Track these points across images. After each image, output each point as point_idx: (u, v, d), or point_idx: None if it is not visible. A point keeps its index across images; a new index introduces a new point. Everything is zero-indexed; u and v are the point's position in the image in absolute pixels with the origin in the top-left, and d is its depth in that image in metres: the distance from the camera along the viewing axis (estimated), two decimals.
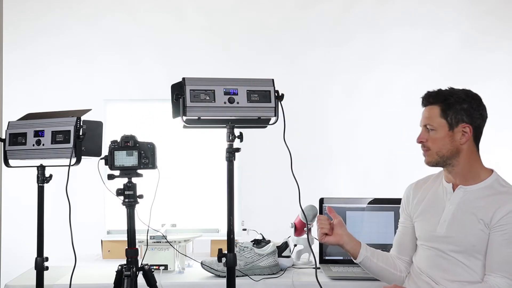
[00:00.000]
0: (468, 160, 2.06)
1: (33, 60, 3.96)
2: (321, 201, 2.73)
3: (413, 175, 2.31)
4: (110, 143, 2.12)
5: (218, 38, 4.06)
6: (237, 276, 2.12)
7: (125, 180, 2.12)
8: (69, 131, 2.11)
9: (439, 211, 2.10)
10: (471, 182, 2.07)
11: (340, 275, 2.49)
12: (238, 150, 2.06)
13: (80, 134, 2.10)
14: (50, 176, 2.23)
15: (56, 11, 3.99)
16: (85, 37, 3.99)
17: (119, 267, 2.12)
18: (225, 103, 2.03)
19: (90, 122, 2.15)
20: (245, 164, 3.01)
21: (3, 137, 2.24)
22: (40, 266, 2.22)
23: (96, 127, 2.19)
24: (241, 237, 2.84)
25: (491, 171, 2.10)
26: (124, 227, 2.12)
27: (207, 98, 2.02)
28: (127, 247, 2.12)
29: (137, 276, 2.11)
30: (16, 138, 2.20)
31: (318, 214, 2.57)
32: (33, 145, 2.16)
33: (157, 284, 2.18)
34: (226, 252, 2.05)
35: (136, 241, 2.15)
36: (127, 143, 2.11)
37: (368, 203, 2.71)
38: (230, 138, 2.04)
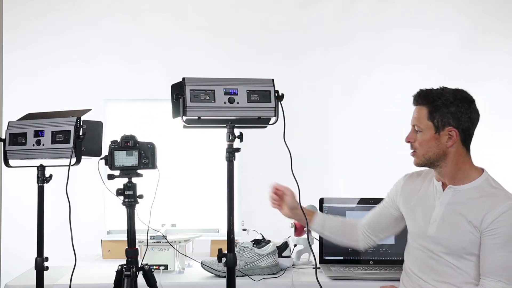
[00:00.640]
0: (456, 163, 2.05)
1: (33, 60, 3.96)
2: (321, 201, 2.73)
3: None
4: (110, 143, 2.12)
5: (218, 38, 4.06)
6: (237, 276, 2.12)
7: (125, 180, 2.12)
8: (69, 131, 2.11)
9: (430, 210, 2.10)
10: (461, 182, 2.06)
11: (340, 275, 2.49)
12: (238, 150, 2.06)
13: (80, 134, 2.10)
14: (50, 176, 2.23)
15: (56, 11, 3.99)
16: (85, 37, 3.99)
17: (119, 267, 2.12)
18: (225, 103, 2.03)
19: (90, 122, 2.15)
20: (245, 164, 3.01)
21: (3, 137, 2.24)
22: (40, 266, 2.22)
23: (96, 127, 2.19)
24: (241, 237, 2.84)
25: (482, 170, 2.10)
26: (124, 227, 2.12)
27: (207, 98, 2.02)
28: (127, 247, 2.12)
29: (137, 276, 2.11)
30: (16, 138, 2.20)
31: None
32: (33, 145, 2.16)
33: (157, 284, 2.18)
34: (226, 252, 2.05)
35: (136, 241, 2.15)
36: (127, 143, 2.11)
37: (368, 203, 2.70)
38: (230, 138, 2.04)
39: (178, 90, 2.03)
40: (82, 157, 2.12)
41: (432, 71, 4.00)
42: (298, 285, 2.43)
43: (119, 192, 2.11)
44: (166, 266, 2.57)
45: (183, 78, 2.03)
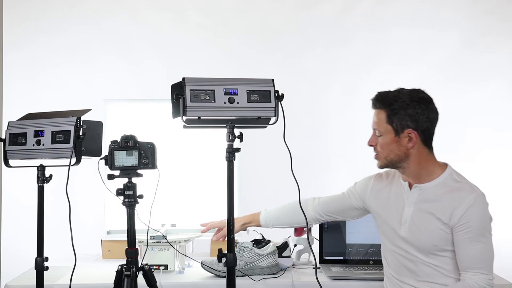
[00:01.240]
0: (419, 162, 2.06)
1: (33, 60, 3.97)
2: None
3: None
4: (110, 143, 2.12)
5: (218, 38, 4.06)
6: (237, 276, 2.12)
7: (125, 180, 2.12)
8: (69, 131, 2.11)
9: (400, 211, 2.11)
10: (425, 180, 2.07)
11: (340, 275, 2.49)
12: (238, 150, 2.06)
13: (80, 134, 2.10)
14: (50, 176, 2.22)
15: (56, 11, 3.99)
16: (85, 37, 3.99)
17: (119, 267, 2.12)
18: (225, 103, 2.03)
19: (90, 122, 2.15)
20: (245, 164, 3.01)
21: (3, 137, 2.23)
22: (40, 266, 2.21)
23: (96, 127, 2.18)
24: (241, 237, 2.84)
25: (445, 166, 2.11)
26: (124, 227, 2.12)
27: (207, 98, 2.02)
28: (127, 247, 2.12)
29: (137, 276, 2.11)
30: (16, 138, 2.19)
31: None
32: (33, 145, 2.16)
33: (157, 284, 2.18)
34: (226, 252, 2.05)
35: (136, 241, 2.15)
36: (127, 143, 2.11)
37: None
38: (230, 138, 2.04)
39: (178, 90, 2.03)
40: (82, 157, 2.12)
41: (432, 71, 4.01)
42: (298, 285, 2.43)
43: (119, 192, 2.11)
44: (166, 266, 2.57)
45: (183, 78, 2.03)
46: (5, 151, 2.22)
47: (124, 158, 2.10)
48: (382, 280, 2.30)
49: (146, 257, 2.44)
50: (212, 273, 2.49)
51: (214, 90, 2.03)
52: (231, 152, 2.05)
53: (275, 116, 2.08)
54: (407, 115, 2.02)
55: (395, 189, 2.17)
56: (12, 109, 3.24)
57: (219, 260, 2.05)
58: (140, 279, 2.13)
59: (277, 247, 2.61)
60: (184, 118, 2.02)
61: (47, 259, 2.22)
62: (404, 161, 2.06)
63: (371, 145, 2.12)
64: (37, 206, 2.22)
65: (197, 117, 2.03)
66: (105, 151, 2.14)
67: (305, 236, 2.72)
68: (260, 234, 2.63)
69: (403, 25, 4.07)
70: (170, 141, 2.85)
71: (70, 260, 2.13)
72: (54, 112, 2.23)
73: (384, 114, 2.06)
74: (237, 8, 4.09)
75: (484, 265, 1.99)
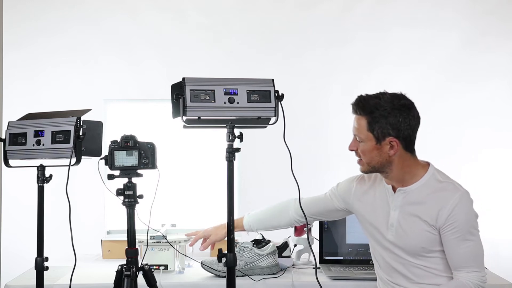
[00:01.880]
0: (401, 167, 2.05)
1: (33, 60, 3.96)
2: None
3: None
4: (110, 143, 2.12)
5: (218, 38, 4.06)
6: (237, 276, 2.12)
7: (125, 180, 2.12)
8: (69, 131, 2.11)
9: (386, 214, 2.11)
10: (409, 182, 2.06)
11: (340, 275, 2.49)
12: (238, 150, 2.06)
13: (80, 134, 2.10)
14: (50, 176, 2.22)
15: (56, 11, 3.99)
16: (85, 37, 3.99)
17: (119, 267, 2.12)
18: (225, 103, 2.03)
19: (90, 122, 2.15)
20: (245, 164, 3.01)
21: (3, 137, 2.23)
22: (40, 266, 2.21)
23: (96, 127, 2.18)
24: (241, 237, 2.84)
25: (427, 165, 2.09)
26: (124, 227, 2.12)
27: (207, 98, 2.02)
28: (127, 247, 2.12)
29: (137, 276, 2.11)
30: (16, 138, 2.19)
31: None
32: (33, 145, 2.16)
33: (157, 284, 2.18)
34: (226, 252, 2.05)
35: (136, 241, 2.15)
36: (127, 143, 2.11)
37: None
38: (230, 138, 2.04)
39: (178, 90, 2.03)
40: (82, 157, 2.12)
41: (432, 71, 4.01)
42: (298, 285, 2.43)
43: (119, 192, 2.11)
44: (166, 266, 2.57)
45: (183, 78, 2.03)
46: (5, 151, 2.22)
47: (124, 158, 2.10)
48: None
49: (146, 257, 2.44)
50: (212, 273, 2.49)
51: (214, 90, 2.03)
52: (231, 152, 2.05)
53: (275, 116, 2.08)
54: (388, 123, 1.99)
55: (379, 191, 2.16)
56: (12, 109, 3.24)
57: (219, 260, 2.05)
58: (140, 279, 2.13)
59: (277, 247, 2.61)
60: (184, 118, 2.02)
61: (47, 259, 2.22)
62: (386, 166, 2.05)
63: (352, 150, 2.11)
64: (37, 206, 2.22)
65: (197, 117, 2.03)
66: (105, 151, 2.14)
67: (305, 236, 2.72)
68: (260, 234, 2.63)
69: (403, 25, 4.06)
70: (170, 141, 2.85)
71: (70, 260, 2.13)
72: (54, 112, 2.23)
73: (364, 121, 2.03)
74: (237, 8, 4.09)
75: (475, 262, 1.99)
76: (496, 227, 3.81)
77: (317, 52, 4.08)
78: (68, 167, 2.08)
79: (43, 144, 2.14)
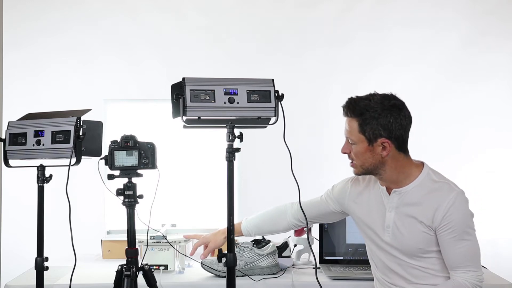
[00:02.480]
0: (395, 168, 2.05)
1: (33, 60, 3.96)
2: None
3: None
4: (110, 143, 2.12)
5: (218, 38, 4.06)
6: (237, 276, 2.12)
7: (125, 180, 2.12)
8: (69, 131, 2.11)
9: (382, 216, 2.11)
10: (403, 183, 2.06)
11: (340, 275, 2.49)
12: (238, 150, 2.06)
13: (80, 134, 2.10)
14: (50, 176, 2.23)
15: (56, 11, 3.98)
16: (85, 37, 3.99)
17: (119, 267, 2.12)
18: (225, 103, 2.03)
19: (90, 122, 2.15)
20: (245, 164, 3.02)
21: (3, 137, 2.24)
22: (40, 266, 2.21)
23: (96, 127, 2.19)
24: (241, 237, 2.84)
25: (422, 165, 2.09)
26: (124, 227, 2.12)
27: (207, 98, 2.02)
28: (127, 247, 2.12)
29: (137, 276, 2.11)
30: (16, 138, 2.20)
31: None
32: (33, 145, 2.16)
33: (157, 284, 2.18)
34: (226, 252, 2.05)
35: (136, 241, 2.15)
36: (127, 143, 2.11)
37: None
38: (230, 138, 2.04)
39: (178, 90, 2.03)
40: (82, 157, 2.12)
41: (432, 71, 4.00)
42: (298, 285, 2.43)
43: (119, 192, 2.11)
44: (166, 266, 2.57)
45: (183, 78, 2.03)
46: (5, 151, 2.22)
47: (124, 158, 2.10)
48: None
49: (146, 257, 2.44)
50: (212, 273, 2.49)
51: (214, 90, 2.03)
52: (231, 152, 2.05)
53: (275, 116, 2.08)
54: (379, 124, 1.99)
55: (374, 193, 2.16)
56: (12, 109, 3.24)
57: (219, 260, 2.05)
58: (140, 279, 2.13)
59: (277, 247, 2.61)
60: (184, 118, 2.02)
61: (47, 259, 2.23)
62: (380, 168, 2.05)
63: (344, 153, 2.11)
64: (37, 206, 2.22)
65: (197, 117, 2.03)
66: (105, 151, 2.14)
67: (305, 236, 2.72)
68: None
69: (403, 25, 4.06)
70: (170, 141, 2.85)
71: (70, 260, 2.13)
72: (54, 112, 2.23)
73: (356, 123, 2.02)
74: (237, 8, 4.08)
75: (471, 262, 2.00)
76: (496, 227, 3.81)
77: (317, 52, 4.08)
78: (68, 167, 2.08)
79: (43, 144, 2.14)
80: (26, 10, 3.96)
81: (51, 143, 2.13)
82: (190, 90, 2.01)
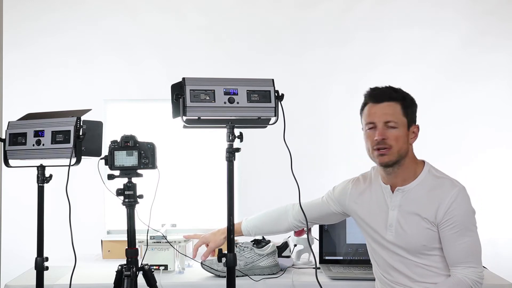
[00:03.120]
0: (410, 160, 2.09)
1: (33, 60, 3.96)
2: None
3: None
4: (110, 143, 2.12)
5: (218, 38, 4.06)
6: (237, 276, 2.12)
7: (125, 180, 2.12)
8: (69, 131, 2.11)
9: (385, 215, 2.11)
10: (407, 181, 2.08)
11: (340, 275, 2.49)
12: (238, 150, 2.06)
13: (80, 134, 2.10)
14: (50, 176, 2.23)
15: (56, 11, 3.98)
16: (85, 37, 3.99)
17: (119, 267, 2.12)
18: (225, 103, 2.03)
19: (90, 122, 2.15)
20: (245, 164, 3.01)
21: (3, 137, 2.24)
22: (40, 266, 2.21)
23: (96, 127, 2.19)
24: (241, 237, 2.84)
25: (423, 163, 2.12)
26: (124, 227, 2.12)
27: (207, 98, 2.02)
28: (127, 247, 2.12)
29: (137, 276, 2.11)
30: (16, 138, 2.20)
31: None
32: (33, 145, 2.16)
33: (157, 284, 2.18)
34: (226, 252, 2.05)
35: (136, 241, 2.15)
36: (127, 143, 2.11)
37: None
38: (230, 138, 2.04)
39: (178, 90, 2.03)
40: (82, 157, 2.12)
41: (432, 71, 4.01)
42: (298, 285, 2.43)
43: (119, 192, 2.11)
44: (166, 266, 2.57)
45: (183, 78, 2.03)
46: (5, 151, 2.22)
47: (124, 158, 2.10)
48: None
49: (146, 257, 2.44)
50: (212, 273, 2.49)
51: (214, 90, 2.03)
52: (231, 152, 2.05)
53: (275, 116, 2.07)
54: (414, 111, 2.08)
55: (375, 192, 2.17)
56: (12, 109, 3.24)
57: (219, 260, 2.05)
58: (140, 279, 2.13)
59: (277, 247, 2.61)
60: (184, 118, 2.02)
61: (47, 259, 2.23)
62: (404, 157, 2.07)
63: (383, 139, 2.03)
64: (37, 206, 2.22)
65: (197, 117, 2.03)
66: (105, 151, 2.14)
67: (305, 236, 2.72)
68: None
69: (403, 25, 4.06)
70: (170, 141, 2.86)
71: (70, 260, 2.13)
72: (54, 112, 2.23)
73: (399, 106, 2.06)
74: (237, 8, 4.09)
75: (472, 258, 2.00)
76: (496, 227, 3.81)
77: (317, 52, 4.08)
78: (68, 167, 2.08)
79: (43, 144, 2.14)
80: (26, 10, 3.96)
81: (51, 143, 2.13)
82: (190, 90, 2.01)
